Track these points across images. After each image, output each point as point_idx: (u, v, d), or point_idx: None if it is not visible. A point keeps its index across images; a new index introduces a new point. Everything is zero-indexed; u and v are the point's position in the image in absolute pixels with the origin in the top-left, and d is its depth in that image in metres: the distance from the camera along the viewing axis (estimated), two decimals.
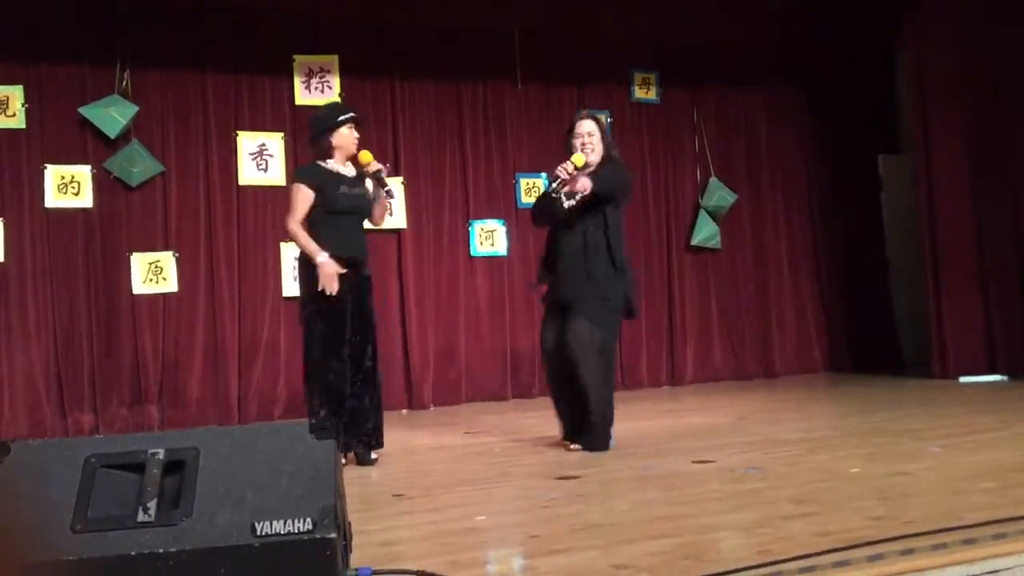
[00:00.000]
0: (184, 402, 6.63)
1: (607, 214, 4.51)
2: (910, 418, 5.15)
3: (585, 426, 4.51)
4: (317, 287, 4.27)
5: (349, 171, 4.48)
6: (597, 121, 4.70)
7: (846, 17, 8.07)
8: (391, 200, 4.54)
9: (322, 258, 4.27)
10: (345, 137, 4.43)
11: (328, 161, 4.45)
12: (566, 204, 4.53)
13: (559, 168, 4.42)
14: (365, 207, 4.48)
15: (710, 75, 8.22)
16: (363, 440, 4.40)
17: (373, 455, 4.42)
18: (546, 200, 4.60)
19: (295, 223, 4.37)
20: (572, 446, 4.54)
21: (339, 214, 4.37)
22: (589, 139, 4.58)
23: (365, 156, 4.40)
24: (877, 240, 8.61)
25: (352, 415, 4.35)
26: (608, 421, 4.52)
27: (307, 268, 4.36)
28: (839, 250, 8.58)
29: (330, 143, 4.43)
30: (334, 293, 4.25)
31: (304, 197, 4.37)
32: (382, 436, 4.48)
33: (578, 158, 4.43)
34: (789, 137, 8.56)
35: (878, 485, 3.24)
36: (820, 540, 2.45)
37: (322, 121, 4.51)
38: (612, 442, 4.52)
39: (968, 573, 2.23)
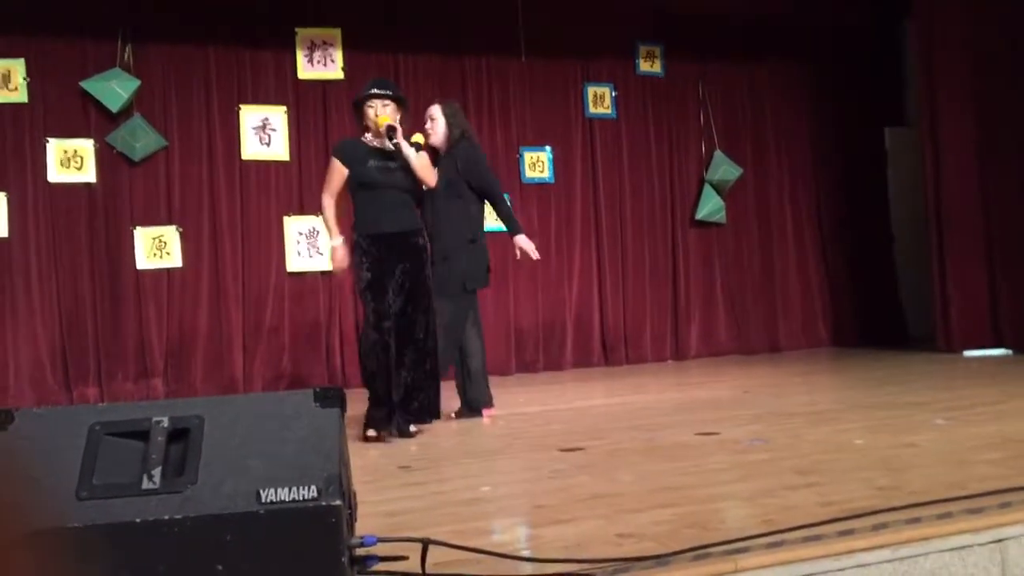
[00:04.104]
0: (189, 376, 6.65)
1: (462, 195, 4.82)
2: (915, 391, 5.15)
3: None
4: (356, 265, 4.33)
5: (386, 145, 4.37)
6: (443, 104, 5.00)
7: None
8: (401, 150, 4.30)
9: (334, 242, 4.42)
10: (368, 117, 4.37)
11: (366, 135, 4.42)
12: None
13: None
14: (401, 181, 4.35)
15: (716, 47, 8.15)
16: (409, 414, 4.31)
17: (412, 428, 4.31)
18: None
19: (327, 197, 4.41)
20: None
21: (372, 188, 4.32)
22: (431, 123, 4.92)
23: (382, 120, 4.31)
24: (883, 214, 8.58)
25: (405, 390, 4.26)
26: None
27: (352, 247, 4.40)
28: (845, 224, 8.55)
29: (363, 122, 4.42)
30: (336, 273, 4.52)
31: (334, 170, 4.40)
32: (436, 409, 4.38)
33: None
34: (795, 110, 8.50)
35: (882, 456, 3.24)
36: (824, 510, 2.44)
37: (356, 99, 4.49)
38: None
39: (973, 542, 2.23)
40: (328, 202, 4.40)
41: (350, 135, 4.63)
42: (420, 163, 4.39)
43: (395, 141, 4.29)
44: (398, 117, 4.40)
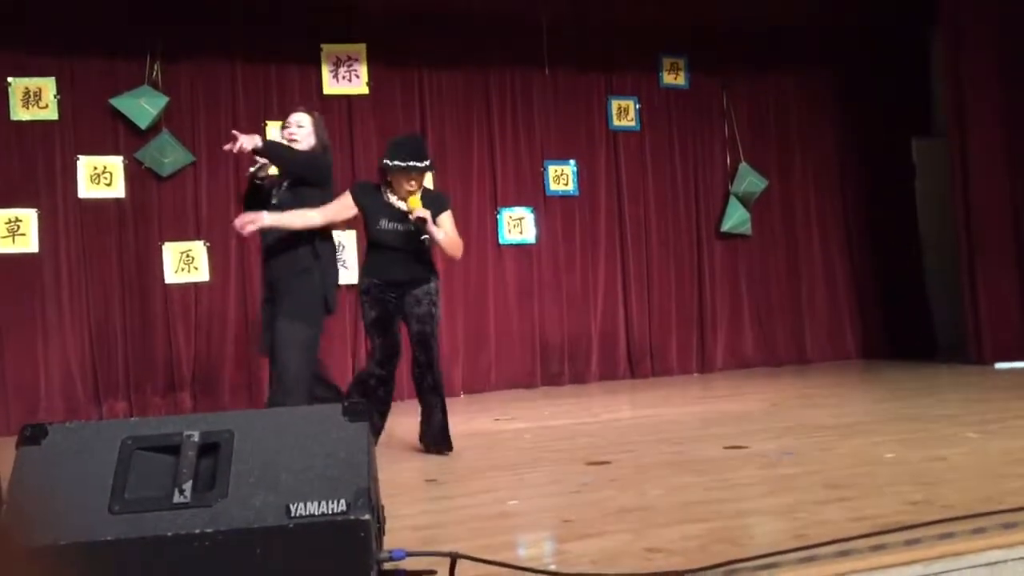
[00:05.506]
0: (216, 390, 6.69)
1: (305, 201, 4.37)
2: (946, 404, 5.09)
3: None
4: (361, 305, 4.40)
5: (402, 204, 4.31)
6: (310, 115, 4.60)
7: None
8: (435, 241, 4.31)
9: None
10: (399, 181, 4.29)
11: (389, 195, 4.33)
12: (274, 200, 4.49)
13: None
14: (411, 242, 4.29)
15: (740, 59, 8.12)
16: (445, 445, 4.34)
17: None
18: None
19: (317, 213, 4.26)
20: None
21: (382, 248, 4.32)
22: (298, 130, 4.51)
23: (413, 203, 4.25)
24: (911, 225, 8.49)
25: (440, 423, 4.32)
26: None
27: (358, 290, 4.45)
28: (872, 235, 8.47)
29: (386, 178, 4.34)
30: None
31: (343, 203, 4.32)
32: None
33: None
34: (820, 121, 8.45)
35: (914, 470, 3.20)
36: (856, 525, 2.42)
37: (386, 157, 4.33)
38: None
39: (1007, 557, 2.20)
40: (314, 215, 4.25)
41: (374, 149, 4.60)
42: (448, 243, 4.36)
43: (426, 234, 4.24)
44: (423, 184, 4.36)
